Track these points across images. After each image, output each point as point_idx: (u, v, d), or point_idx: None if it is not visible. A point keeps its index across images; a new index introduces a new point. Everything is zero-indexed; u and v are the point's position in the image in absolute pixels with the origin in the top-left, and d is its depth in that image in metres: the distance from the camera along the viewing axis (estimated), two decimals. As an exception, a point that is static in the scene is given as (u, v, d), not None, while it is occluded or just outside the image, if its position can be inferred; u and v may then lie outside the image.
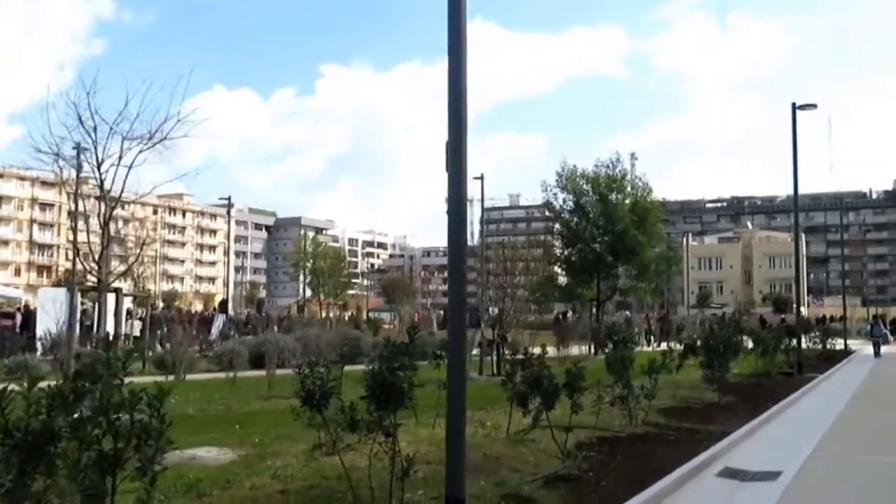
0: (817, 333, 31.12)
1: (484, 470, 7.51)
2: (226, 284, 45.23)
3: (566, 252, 28.89)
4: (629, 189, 28.00)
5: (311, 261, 62.44)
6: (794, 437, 10.59)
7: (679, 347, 15.91)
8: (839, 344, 33.62)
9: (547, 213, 28.80)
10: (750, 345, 20.17)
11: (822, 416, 12.78)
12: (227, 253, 56.83)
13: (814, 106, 20.98)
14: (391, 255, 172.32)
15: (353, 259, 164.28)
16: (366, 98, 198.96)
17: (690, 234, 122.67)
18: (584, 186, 27.84)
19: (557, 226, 29.02)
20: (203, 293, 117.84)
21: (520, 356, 10.02)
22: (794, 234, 22.65)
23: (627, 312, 40.31)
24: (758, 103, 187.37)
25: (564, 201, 28.54)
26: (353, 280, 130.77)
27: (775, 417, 12.39)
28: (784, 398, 14.46)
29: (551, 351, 25.40)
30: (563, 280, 30.11)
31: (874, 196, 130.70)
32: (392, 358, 5.72)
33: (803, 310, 68.72)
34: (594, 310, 28.62)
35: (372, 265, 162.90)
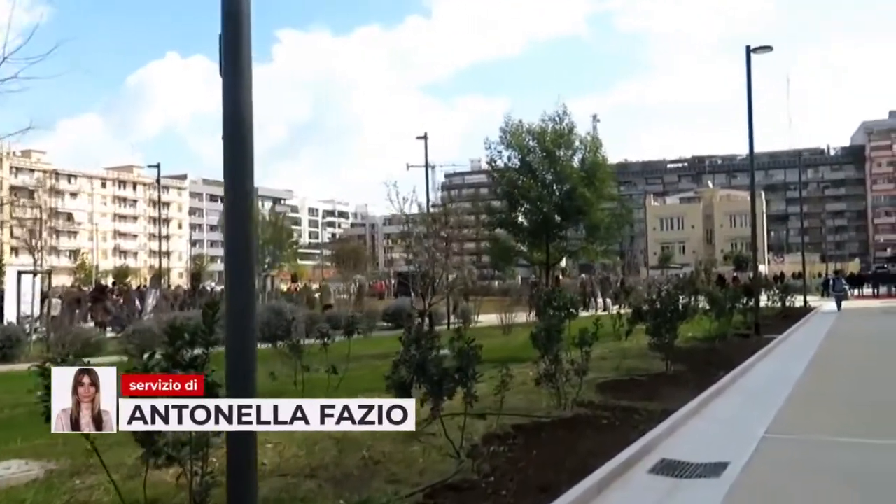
0: (776, 291, 30.11)
1: (353, 480, 5.95)
2: (160, 256, 42.92)
3: (512, 214, 27.29)
4: (577, 144, 26.45)
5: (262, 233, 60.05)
6: (746, 415, 9.20)
7: (626, 311, 14.46)
8: (799, 301, 32.83)
9: (491, 172, 27.09)
10: (706, 306, 18.94)
11: (778, 385, 11.45)
12: (156, 223, 54.18)
13: (769, 48, 19.56)
14: (353, 224, 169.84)
15: (314, 229, 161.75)
16: (325, 64, 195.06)
17: (652, 195, 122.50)
18: (530, 142, 26.19)
19: (502, 185, 27.32)
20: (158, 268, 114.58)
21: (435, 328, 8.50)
22: (751, 189, 21.31)
23: (584, 275, 38.98)
24: (720, 65, 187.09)
25: (510, 159, 26.87)
26: (312, 251, 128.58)
27: (727, 389, 11.02)
28: (738, 365, 13.14)
29: (493, 319, 24.20)
30: (515, 244, 28.44)
31: (832, 153, 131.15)
32: (176, 344, 4.09)
33: (764, 268, 68.52)
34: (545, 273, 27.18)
35: (333, 235, 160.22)
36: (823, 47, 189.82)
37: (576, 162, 26.14)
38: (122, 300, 31.06)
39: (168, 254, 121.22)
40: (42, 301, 25.61)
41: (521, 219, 26.50)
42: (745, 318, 21.44)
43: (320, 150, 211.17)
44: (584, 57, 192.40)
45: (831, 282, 36.01)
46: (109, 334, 23.15)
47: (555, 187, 25.69)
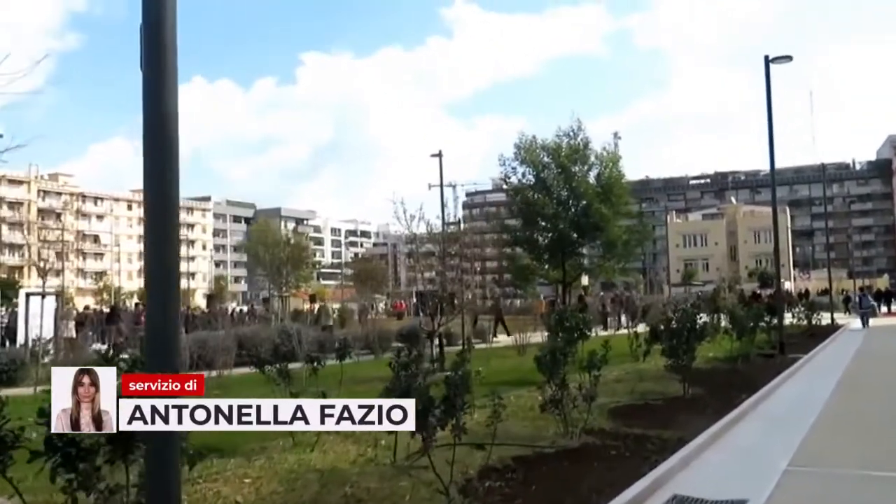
0: (801, 308, 29.19)
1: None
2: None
3: (527, 231, 26.68)
4: (593, 160, 25.84)
5: (266, 251, 59.52)
6: (768, 444, 8.56)
7: (640, 330, 13.85)
8: (826, 319, 31.85)
9: (506, 190, 26.50)
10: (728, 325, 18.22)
11: (803, 410, 10.78)
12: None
13: (788, 58, 18.93)
14: (375, 244, 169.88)
15: (337, 249, 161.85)
16: (347, 85, 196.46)
17: (674, 212, 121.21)
18: (545, 158, 25.64)
19: (517, 203, 26.76)
20: (183, 289, 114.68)
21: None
22: (773, 203, 20.62)
23: (603, 293, 38.09)
24: (741, 78, 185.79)
25: (524, 175, 26.33)
26: (335, 271, 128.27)
27: (748, 414, 10.37)
28: (760, 387, 12.46)
29: (503, 339, 23.57)
30: (531, 262, 27.77)
31: (857, 167, 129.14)
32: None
33: (789, 284, 67.21)
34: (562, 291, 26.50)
35: (356, 255, 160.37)
36: (848, 59, 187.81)
37: (591, 178, 25.59)
38: (136, 321, 30.78)
39: (192, 275, 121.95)
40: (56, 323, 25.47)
41: (536, 236, 25.87)
42: (769, 337, 20.68)
43: (343, 170, 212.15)
44: (604, 75, 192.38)
45: (858, 298, 34.92)
46: (125, 356, 22.83)
47: (570, 203, 25.12)
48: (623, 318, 29.82)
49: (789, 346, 19.90)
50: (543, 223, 24.41)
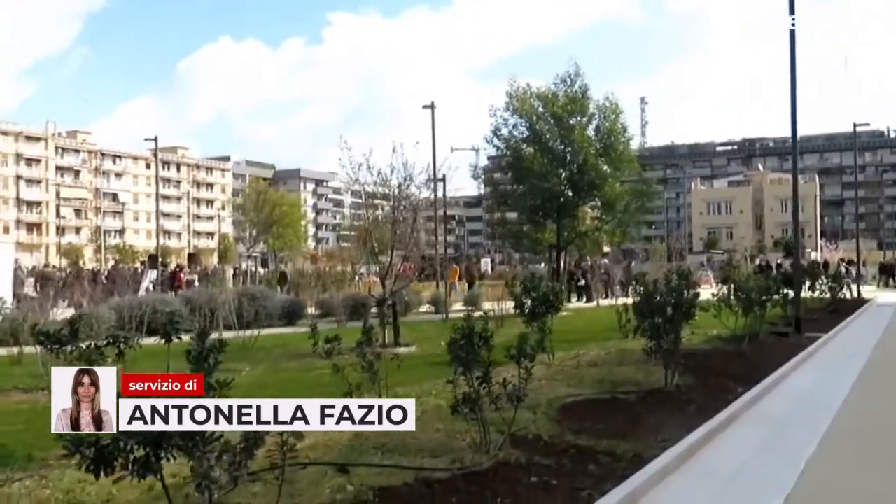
0: (825, 281, 26.58)
1: None
2: (157, 235, 40.78)
3: (518, 189, 24.10)
4: (592, 110, 23.11)
5: (256, 211, 57.27)
6: (760, 467, 6.25)
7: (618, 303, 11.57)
8: (852, 291, 29.24)
9: (495, 144, 23.95)
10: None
11: (814, 412, 8.46)
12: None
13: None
14: (416, 210, 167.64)
15: (358, 211, 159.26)
16: (374, 46, 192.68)
17: (699, 179, 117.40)
18: (539, 109, 22.97)
19: (507, 157, 24.14)
20: (202, 248, 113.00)
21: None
22: (793, 170, 18.11)
23: (606, 261, 35.33)
24: (773, 43, 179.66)
25: (515, 127, 23.69)
26: (347, 232, 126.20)
27: (741, 416, 8.05)
28: (764, 377, 10.12)
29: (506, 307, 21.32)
30: (522, 224, 25.29)
31: (891, 135, 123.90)
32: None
33: (815, 255, 64.08)
34: (555, 255, 23.95)
35: (377, 217, 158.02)
36: (883, 25, 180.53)
37: (591, 131, 22.97)
38: (110, 282, 28.96)
39: (211, 234, 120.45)
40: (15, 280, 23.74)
41: (527, 194, 23.27)
42: (785, 313, 18.24)
43: (368, 133, 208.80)
44: (634, 39, 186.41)
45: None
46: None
47: (566, 158, 22.54)
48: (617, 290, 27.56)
49: (808, 323, 17.49)
50: (535, 180, 21.87)
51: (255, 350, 13.54)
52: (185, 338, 4.87)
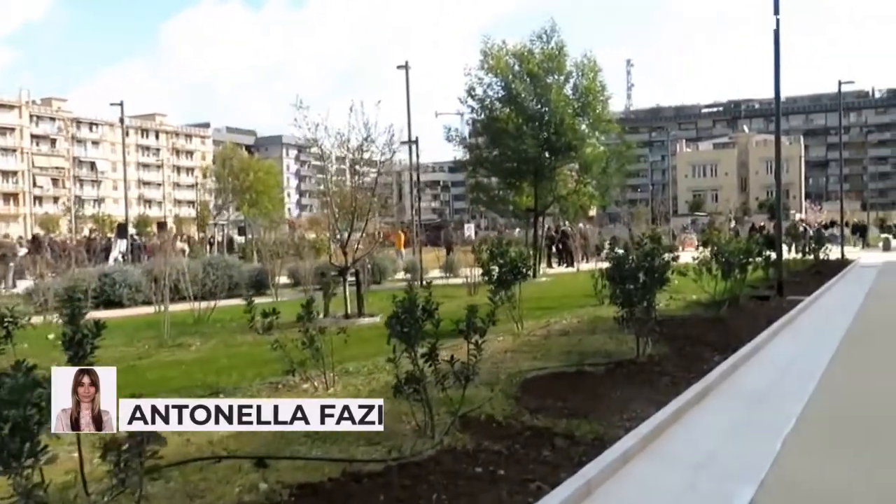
0: (806, 241, 26.14)
1: None
2: (125, 204, 39.78)
3: (492, 151, 23.25)
4: (570, 68, 22.21)
5: (225, 177, 56.09)
6: (732, 450, 5.67)
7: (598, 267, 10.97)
8: (835, 252, 28.83)
9: (469, 103, 23.09)
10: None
11: (792, 382, 7.92)
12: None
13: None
14: (380, 173, 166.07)
15: (344, 178, 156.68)
16: (360, 8, 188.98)
17: (685, 141, 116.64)
18: (515, 67, 22.06)
19: (480, 118, 23.25)
20: (184, 217, 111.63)
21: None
22: (776, 129, 17.42)
23: (582, 225, 34.77)
24: (760, 4, 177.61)
25: (490, 86, 22.77)
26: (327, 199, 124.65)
27: (716, 389, 7.49)
28: (743, 344, 9.59)
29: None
30: (497, 188, 24.54)
31: (877, 95, 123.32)
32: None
33: (800, 216, 63.79)
34: (534, 221, 23.22)
35: (361, 183, 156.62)
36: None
37: (568, 90, 22.13)
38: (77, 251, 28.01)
39: (192, 202, 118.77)
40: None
41: (501, 156, 22.45)
42: (767, 275, 17.75)
43: (355, 98, 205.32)
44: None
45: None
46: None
47: (543, 118, 21.73)
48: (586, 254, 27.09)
49: (791, 285, 17.03)
50: (511, 142, 21.07)
51: (211, 323, 12.90)
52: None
